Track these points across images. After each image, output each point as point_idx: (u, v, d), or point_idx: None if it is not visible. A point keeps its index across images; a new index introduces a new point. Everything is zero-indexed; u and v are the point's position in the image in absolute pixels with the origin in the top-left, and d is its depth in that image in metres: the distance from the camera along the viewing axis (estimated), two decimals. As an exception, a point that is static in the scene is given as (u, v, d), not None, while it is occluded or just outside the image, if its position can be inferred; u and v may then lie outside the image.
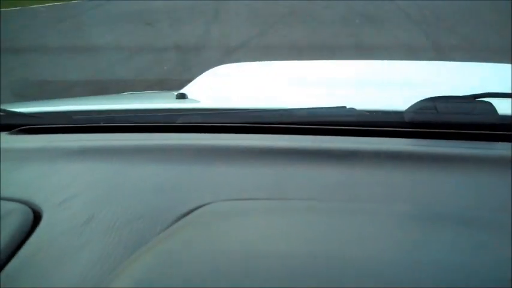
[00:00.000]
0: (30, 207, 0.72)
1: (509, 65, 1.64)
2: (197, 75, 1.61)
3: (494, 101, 0.89)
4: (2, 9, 9.30)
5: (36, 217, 0.71)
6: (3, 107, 1.05)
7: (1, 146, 0.90)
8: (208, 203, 0.70)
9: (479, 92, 0.91)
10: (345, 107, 0.93)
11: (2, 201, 0.72)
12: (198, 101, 1.31)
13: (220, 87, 1.52)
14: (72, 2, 10.71)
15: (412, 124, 0.89)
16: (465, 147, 0.85)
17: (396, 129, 0.90)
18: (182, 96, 1.24)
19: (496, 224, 0.63)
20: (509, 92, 0.95)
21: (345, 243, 0.59)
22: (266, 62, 1.97)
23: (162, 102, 1.32)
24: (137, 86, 4.27)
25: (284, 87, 1.43)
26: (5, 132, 1.01)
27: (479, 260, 0.55)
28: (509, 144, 0.86)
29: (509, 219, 0.63)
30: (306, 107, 0.97)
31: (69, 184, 0.80)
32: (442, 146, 0.85)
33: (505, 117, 0.88)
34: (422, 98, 0.90)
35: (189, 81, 1.55)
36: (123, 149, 0.90)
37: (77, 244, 0.66)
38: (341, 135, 0.91)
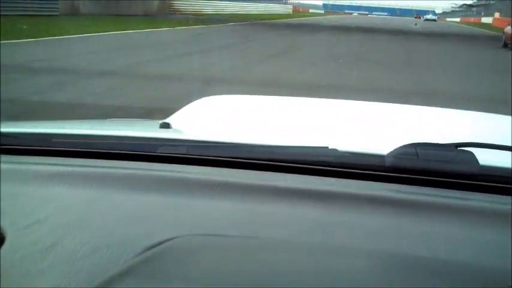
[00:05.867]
0: None
1: (495, 115, 1.66)
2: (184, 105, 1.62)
3: (476, 151, 0.89)
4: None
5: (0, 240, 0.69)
6: None
7: None
8: (177, 237, 0.69)
9: (461, 141, 0.91)
10: (327, 147, 0.93)
11: None
12: (181, 132, 1.31)
13: (205, 119, 1.52)
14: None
15: (392, 169, 0.89)
16: (443, 195, 0.85)
17: (376, 173, 0.90)
18: (166, 126, 1.24)
19: (469, 274, 0.64)
20: (492, 142, 0.95)
21: (311, 283, 0.59)
22: (254, 96, 1.96)
23: (145, 130, 1.33)
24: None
25: (270, 122, 1.44)
26: None
27: None
28: (488, 195, 0.86)
29: (485, 270, 0.64)
30: (289, 144, 0.97)
31: (37, 208, 0.79)
32: (420, 193, 0.86)
33: (485, 167, 0.87)
34: (404, 143, 0.90)
35: (175, 110, 1.54)
36: (98, 175, 0.89)
37: (37, 271, 0.64)
38: (321, 175, 0.91)
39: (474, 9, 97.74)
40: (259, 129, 1.34)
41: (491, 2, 75.77)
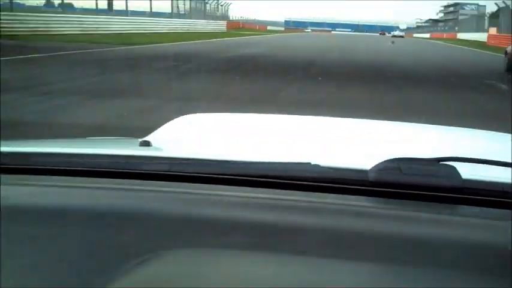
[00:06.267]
0: None
1: (476, 131, 1.74)
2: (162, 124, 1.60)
3: (458, 165, 0.90)
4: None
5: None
6: None
7: None
8: (161, 251, 0.70)
9: (444, 156, 0.93)
10: (309, 163, 0.94)
11: None
12: (161, 150, 1.32)
13: (184, 136, 1.52)
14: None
15: (375, 183, 0.90)
16: (427, 209, 0.86)
17: (359, 188, 0.91)
18: (146, 144, 1.24)
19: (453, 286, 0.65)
20: (474, 157, 0.96)
21: None
22: (235, 113, 2.01)
23: (124, 148, 1.31)
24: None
25: (251, 139, 1.44)
26: None
27: None
28: (471, 208, 0.88)
29: (468, 282, 0.66)
30: (270, 160, 0.98)
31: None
32: (403, 207, 0.87)
33: (467, 181, 0.89)
34: (387, 158, 0.91)
35: (154, 128, 1.54)
36: (79, 193, 0.89)
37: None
38: (304, 190, 0.91)
39: (441, 24, 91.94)
40: (241, 146, 1.34)
41: (460, 17, 69.26)
